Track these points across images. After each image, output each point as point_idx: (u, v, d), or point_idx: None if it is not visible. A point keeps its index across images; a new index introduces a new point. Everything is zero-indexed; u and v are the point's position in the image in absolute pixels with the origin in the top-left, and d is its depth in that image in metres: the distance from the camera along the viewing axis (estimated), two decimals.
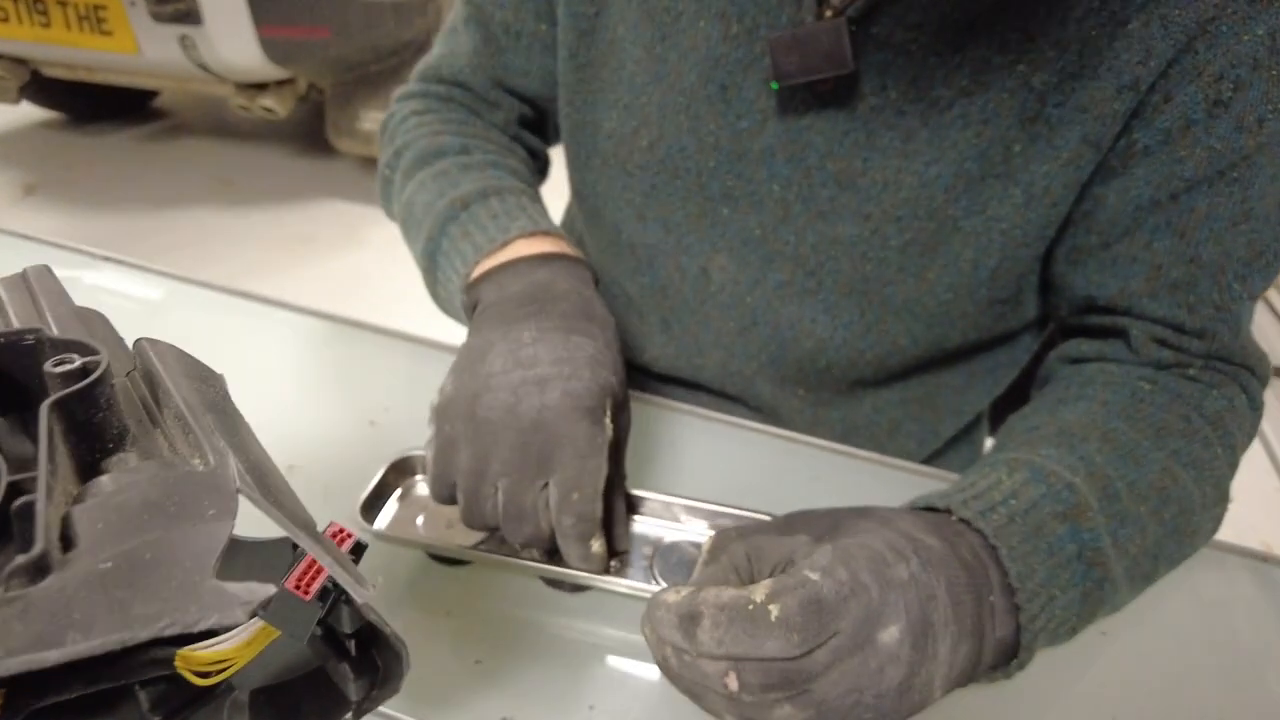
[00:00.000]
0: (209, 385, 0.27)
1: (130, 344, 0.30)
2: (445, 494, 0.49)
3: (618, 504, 0.51)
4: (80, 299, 0.30)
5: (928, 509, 0.46)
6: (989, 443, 0.87)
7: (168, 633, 0.16)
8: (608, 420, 0.48)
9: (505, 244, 0.58)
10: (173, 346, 0.28)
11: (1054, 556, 0.43)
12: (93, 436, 0.22)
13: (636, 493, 0.57)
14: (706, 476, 0.63)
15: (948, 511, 0.45)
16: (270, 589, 0.18)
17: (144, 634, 0.16)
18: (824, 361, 0.68)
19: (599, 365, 0.49)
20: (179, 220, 2.85)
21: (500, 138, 0.73)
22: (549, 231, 0.59)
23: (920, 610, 0.37)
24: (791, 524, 0.43)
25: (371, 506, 0.55)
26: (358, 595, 0.23)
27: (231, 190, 3.10)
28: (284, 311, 0.78)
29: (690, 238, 0.66)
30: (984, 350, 0.70)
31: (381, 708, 0.38)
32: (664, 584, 0.40)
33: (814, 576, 0.35)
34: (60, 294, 0.30)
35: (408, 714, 0.43)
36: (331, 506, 0.56)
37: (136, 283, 0.80)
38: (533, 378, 0.47)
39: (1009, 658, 0.43)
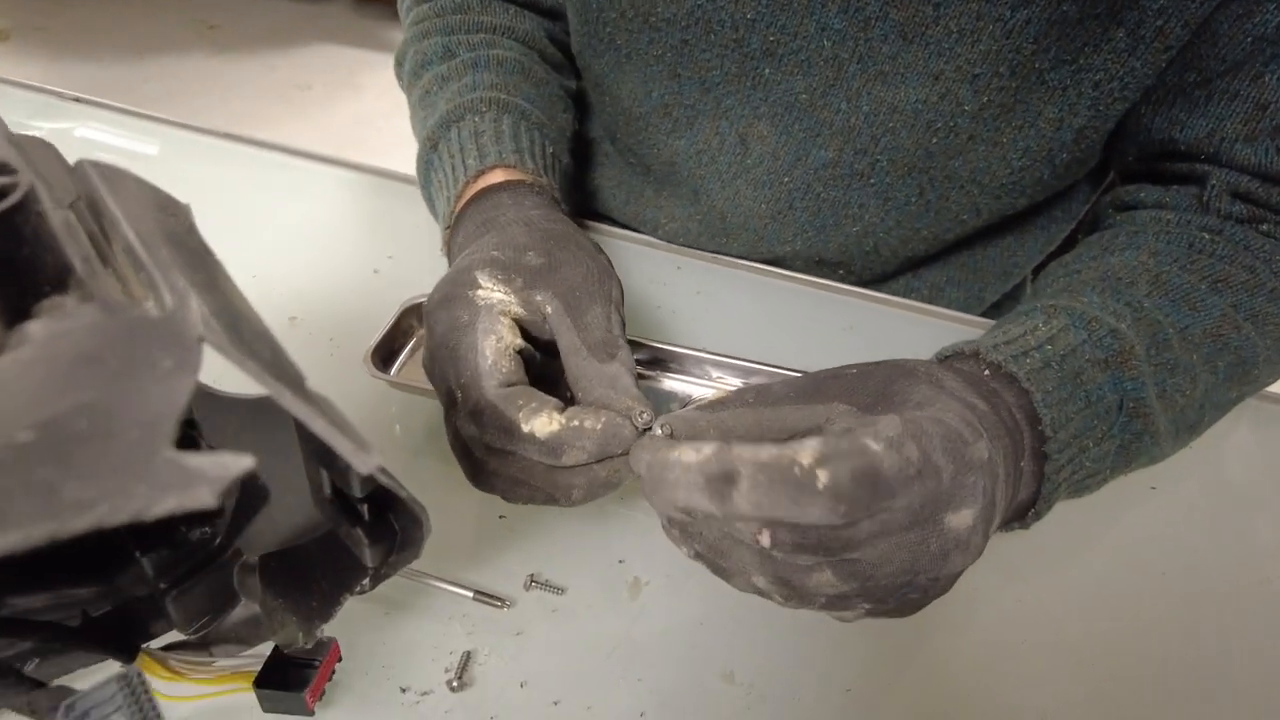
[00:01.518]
0: (170, 215, 0.22)
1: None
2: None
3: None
4: (72, 155, 0.25)
5: (955, 355, 0.42)
6: None
7: (110, 521, 0.12)
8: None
9: (459, 195, 0.52)
10: (127, 171, 0.24)
11: (1091, 406, 0.40)
12: (19, 276, 0.18)
13: (664, 346, 0.53)
14: (736, 330, 0.59)
15: (975, 356, 0.41)
16: (247, 462, 0.14)
17: (77, 524, 0.12)
18: (870, 244, 0.62)
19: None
20: (163, 69, 2.69)
21: (492, 11, 0.64)
22: (500, 164, 0.52)
23: (991, 493, 0.33)
24: (821, 388, 0.35)
25: (381, 353, 0.51)
26: (360, 466, 0.20)
27: (217, 35, 2.92)
28: (281, 156, 0.72)
29: (729, 100, 0.57)
30: (1040, 209, 0.64)
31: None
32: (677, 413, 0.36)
33: (875, 446, 0.29)
34: None
35: (431, 573, 0.41)
36: (340, 357, 0.53)
37: (129, 134, 0.73)
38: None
39: (1026, 509, 0.41)
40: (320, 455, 0.30)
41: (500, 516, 0.45)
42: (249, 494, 0.35)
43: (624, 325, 0.43)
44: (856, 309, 0.62)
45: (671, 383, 0.53)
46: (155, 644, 0.36)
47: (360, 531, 0.32)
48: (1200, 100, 0.49)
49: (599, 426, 0.35)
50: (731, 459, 0.28)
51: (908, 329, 0.61)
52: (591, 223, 0.67)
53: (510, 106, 0.56)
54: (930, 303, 0.63)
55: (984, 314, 0.69)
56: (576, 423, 0.36)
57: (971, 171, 0.55)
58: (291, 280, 0.59)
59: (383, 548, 0.32)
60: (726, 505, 0.29)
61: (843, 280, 0.65)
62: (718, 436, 0.34)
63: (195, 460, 0.14)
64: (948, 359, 0.42)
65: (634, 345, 0.53)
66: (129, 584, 0.35)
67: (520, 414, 0.36)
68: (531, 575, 0.43)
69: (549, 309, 0.41)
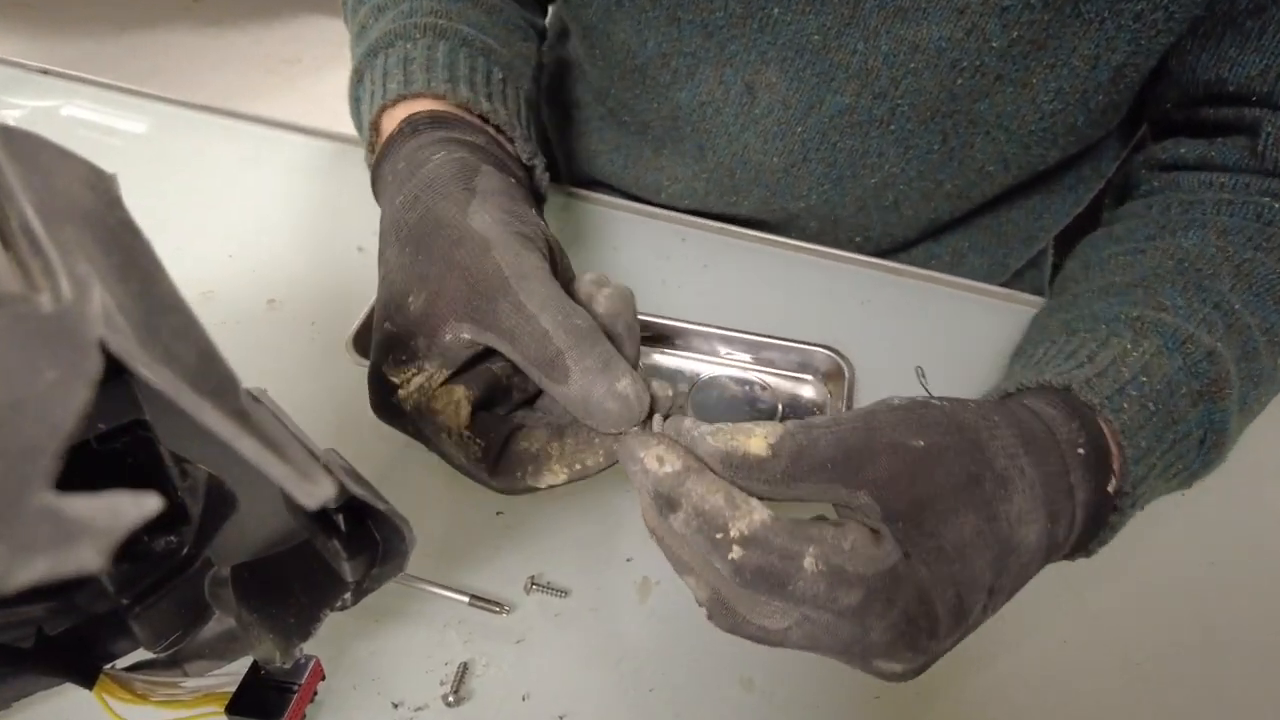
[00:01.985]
0: (89, 188, 0.19)
1: None
2: None
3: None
4: (57, 136, 0.21)
5: (1040, 390, 0.37)
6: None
7: None
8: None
9: (375, 125, 0.46)
10: (42, 138, 0.20)
11: (1176, 446, 0.37)
12: None
13: (670, 322, 0.50)
14: (746, 304, 0.55)
15: (1066, 391, 0.36)
16: (150, 505, 0.11)
17: None
18: (890, 198, 0.57)
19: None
20: (148, 44, 2.62)
21: None
22: (428, 93, 0.45)
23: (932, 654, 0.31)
24: (852, 462, 0.29)
25: (364, 340, 0.48)
26: (303, 497, 0.16)
27: (202, 9, 2.84)
28: (266, 130, 0.68)
29: (734, 45, 0.53)
30: (1068, 165, 0.60)
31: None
32: (700, 422, 0.32)
33: (807, 586, 0.28)
34: None
35: (422, 577, 0.38)
36: (321, 343, 0.49)
37: (116, 111, 0.68)
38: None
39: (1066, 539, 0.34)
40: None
41: (498, 513, 0.42)
42: (215, 499, 0.31)
43: (571, 278, 0.37)
44: (873, 281, 0.58)
45: (679, 360, 0.50)
46: (121, 663, 0.33)
47: (337, 543, 0.28)
48: (1253, 32, 0.45)
49: (600, 461, 0.35)
50: (680, 491, 0.28)
51: (927, 302, 0.57)
52: (585, 191, 0.63)
53: (448, 32, 0.49)
54: (951, 271, 0.59)
55: (1006, 283, 0.65)
56: (579, 466, 0.35)
57: (998, 116, 0.51)
58: (272, 260, 0.55)
59: (364, 560, 0.29)
60: (662, 525, 0.30)
61: (859, 250, 0.61)
62: (721, 468, 0.30)
63: (78, 506, 0.10)
64: (1029, 392, 0.37)
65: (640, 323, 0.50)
66: (87, 600, 0.32)
67: (527, 480, 0.35)
68: (532, 577, 0.39)
69: (465, 335, 0.34)
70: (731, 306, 0.55)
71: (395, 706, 0.35)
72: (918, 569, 0.28)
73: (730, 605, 0.30)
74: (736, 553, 0.27)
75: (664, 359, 0.49)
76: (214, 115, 0.68)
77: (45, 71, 0.71)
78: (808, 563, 0.27)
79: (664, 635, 0.38)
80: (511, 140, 0.46)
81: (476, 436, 0.35)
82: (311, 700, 0.34)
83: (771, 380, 0.49)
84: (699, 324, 0.49)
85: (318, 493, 0.16)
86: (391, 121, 0.44)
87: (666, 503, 0.28)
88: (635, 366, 0.35)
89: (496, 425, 0.36)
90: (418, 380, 0.35)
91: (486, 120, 0.45)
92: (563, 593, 0.39)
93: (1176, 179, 0.50)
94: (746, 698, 0.36)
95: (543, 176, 0.48)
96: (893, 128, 0.52)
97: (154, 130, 0.67)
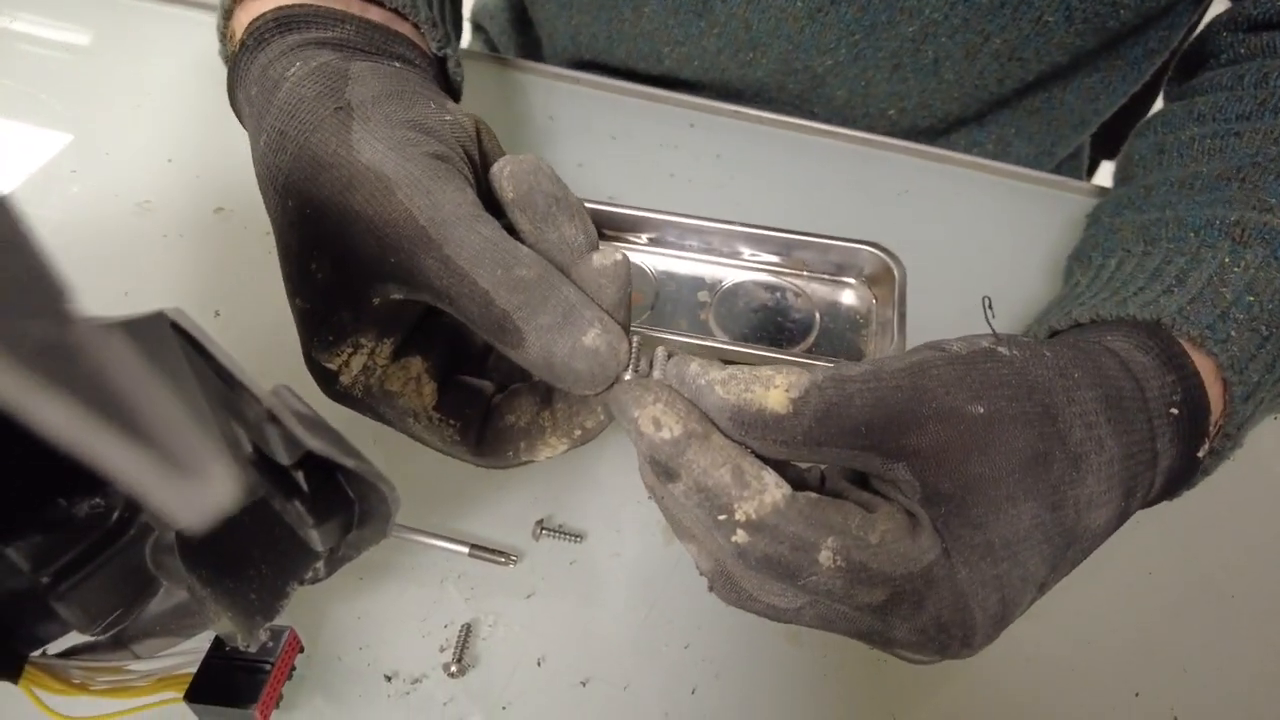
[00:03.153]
0: None
1: None
2: None
3: None
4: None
5: (1133, 327, 0.31)
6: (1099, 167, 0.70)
7: None
8: None
9: (227, 31, 0.35)
10: None
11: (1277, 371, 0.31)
12: None
13: (683, 220, 0.43)
14: (768, 198, 0.49)
15: (1155, 324, 0.31)
16: None
17: None
18: (929, 56, 0.49)
19: None
20: None
21: None
22: None
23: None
24: (893, 427, 0.24)
25: None
26: (165, 510, 0.10)
27: None
28: (199, 14, 0.58)
29: None
30: (1138, 32, 0.51)
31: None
32: (710, 364, 0.25)
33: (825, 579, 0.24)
34: None
35: (414, 525, 0.33)
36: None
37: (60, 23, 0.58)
38: None
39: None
40: (225, 403, 0.20)
41: None
42: None
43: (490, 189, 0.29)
44: (911, 169, 0.51)
45: (696, 264, 0.43)
46: (54, 648, 0.27)
47: (299, 506, 0.22)
48: None
49: (603, 420, 0.29)
50: (680, 463, 0.24)
51: (970, 191, 0.50)
52: (574, 73, 0.55)
53: None
54: (995, 159, 0.52)
55: (1054, 171, 0.58)
56: (579, 432, 0.29)
57: None
58: (218, 164, 0.47)
59: (336, 525, 0.23)
60: (660, 488, 0.26)
61: (893, 131, 0.53)
62: (729, 421, 0.25)
63: None
64: (1110, 328, 0.32)
65: (644, 221, 0.43)
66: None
67: (521, 456, 0.30)
68: (541, 521, 0.34)
69: (396, 296, 0.27)
70: (752, 201, 0.48)
71: (388, 679, 0.30)
72: (957, 570, 0.24)
73: (735, 581, 0.26)
74: (741, 537, 0.24)
75: (678, 263, 0.43)
76: (156, 3, 0.58)
77: None
78: (824, 556, 0.23)
79: (698, 582, 0.33)
80: (416, 25, 0.36)
81: (449, 417, 0.29)
82: (289, 678, 0.29)
83: (806, 286, 0.42)
84: (717, 221, 0.42)
85: (185, 497, 0.10)
86: (240, 26, 0.34)
87: (664, 472, 0.24)
88: (592, 246, 0.27)
89: (471, 399, 0.29)
90: (358, 360, 0.28)
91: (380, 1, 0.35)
92: (577, 537, 0.34)
93: (1273, 41, 0.42)
94: (794, 653, 0.32)
95: (456, 72, 0.38)
96: None
97: (96, 39, 0.57)
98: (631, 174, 0.49)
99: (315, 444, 0.19)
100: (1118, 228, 0.40)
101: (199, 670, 0.28)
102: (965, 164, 0.51)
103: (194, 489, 0.09)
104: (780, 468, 0.26)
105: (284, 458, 0.20)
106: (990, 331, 0.28)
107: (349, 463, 0.20)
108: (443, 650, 0.31)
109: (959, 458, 0.24)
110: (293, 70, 0.30)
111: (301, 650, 0.29)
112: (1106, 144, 0.70)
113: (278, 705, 0.28)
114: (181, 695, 0.27)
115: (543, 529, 0.34)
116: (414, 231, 0.25)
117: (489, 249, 0.25)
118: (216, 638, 0.28)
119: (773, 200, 0.48)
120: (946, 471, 0.24)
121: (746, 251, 0.43)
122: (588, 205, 0.42)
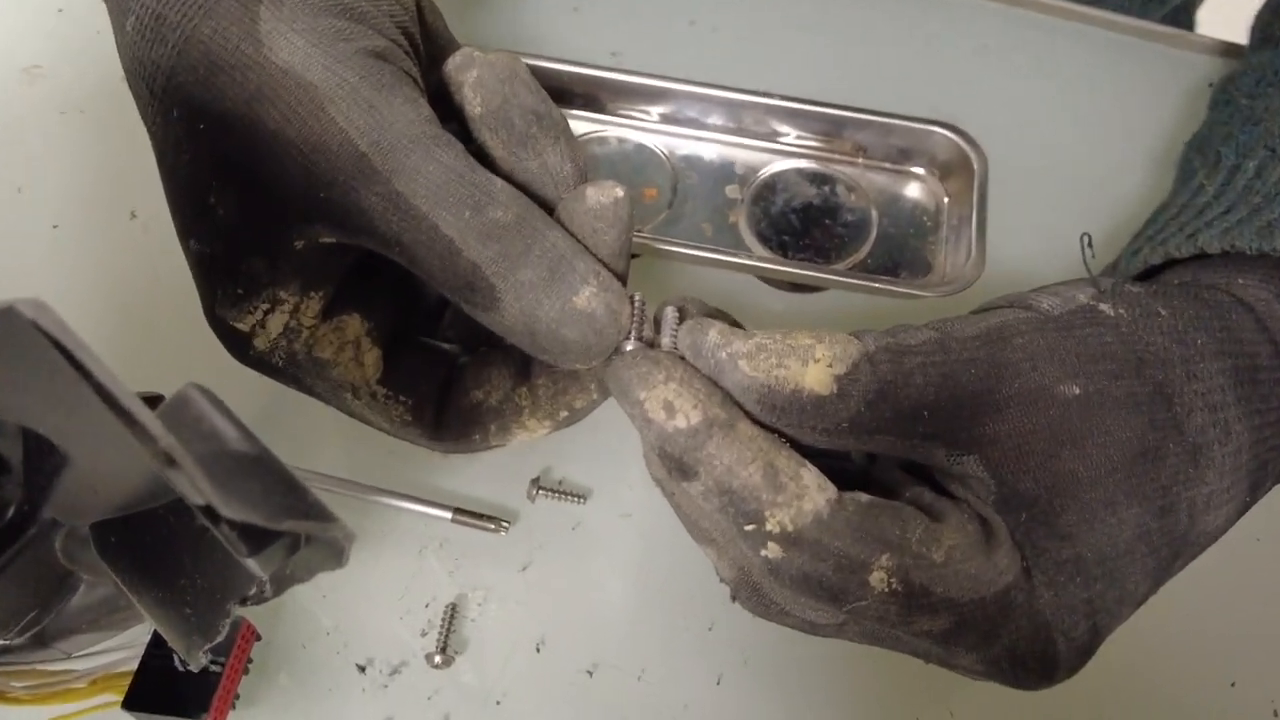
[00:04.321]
0: None
1: None
2: None
3: None
4: None
5: (1261, 255, 0.25)
6: None
7: None
8: None
9: None
10: None
11: None
12: None
13: (711, 91, 0.35)
14: (811, 62, 0.40)
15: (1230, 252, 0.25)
16: None
17: None
18: None
19: None
20: None
21: None
22: None
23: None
24: (963, 411, 0.21)
25: None
26: None
27: None
28: None
29: None
30: None
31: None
32: (732, 332, 0.20)
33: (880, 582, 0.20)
34: None
35: (388, 487, 0.28)
36: None
37: None
38: None
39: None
40: (112, 432, 0.15)
41: None
42: (36, 444, 0.20)
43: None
44: (989, 20, 0.42)
45: (725, 148, 0.35)
46: None
47: (230, 532, 0.17)
48: None
49: (595, 399, 0.24)
50: (699, 458, 0.20)
51: (1063, 46, 0.42)
52: None
53: None
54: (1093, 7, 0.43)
55: (1165, 20, 0.48)
56: (565, 413, 0.24)
57: None
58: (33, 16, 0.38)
59: (276, 550, 0.18)
60: (672, 484, 0.22)
61: None
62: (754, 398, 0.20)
63: None
64: (1246, 266, 0.25)
65: (657, 91, 0.35)
66: None
67: (490, 441, 0.25)
68: (537, 479, 0.29)
69: (326, 240, 0.22)
70: (794, 64, 0.40)
71: (362, 669, 0.26)
72: (1039, 593, 0.21)
73: (763, 593, 0.22)
74: (774, 552, 0.20)
75: (701, 146, 0.35)
76: None
77: None
78: (876, 578, 0.20)
79: None
80: None
81: (398, 392, 0.23)
82: (246, 672, 0.25)
83: (861, 177, 0.35)
84: (749, 93, 0.34)
85: None
86: None
87: (678, 468, 0.20)
88: (582, 178, 0.22)
89: (426, 369, 0.24)
90: (277, 320, 0.21)
91: None
92: (579, 497, 0.29)
93: None
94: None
95: None
96: None
97: None
98: (640, 22, 0.40)
99: (229, 510, 0.14)
100: (1258, 114, 0.31)
101: (137, 673, 0.24)
102: (1053, 10, 0.42)
103: None
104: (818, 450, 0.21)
105: (194, 496, 0.15)
106: (1088, 275, 0.22)
107: (283, 526, 0.15)
108: (424, 634, 0.27)
109: (1046, 451, 0.20)
110: None
111: (259, 639, 0.25)
112: None
113: (234, 706, 0.24)
114: (121, 698, 0.24)
115: (539, 488, 0.29)
116: (352, 159, 0.19)
117: (453, 182, 0.19)
118: (154, 635, 0.24)
119: (816, 65, 0.40)
120: (1029, 468, 0.20)
121: (787, 132, 0.35)
122: (582, 69, 0.34)
